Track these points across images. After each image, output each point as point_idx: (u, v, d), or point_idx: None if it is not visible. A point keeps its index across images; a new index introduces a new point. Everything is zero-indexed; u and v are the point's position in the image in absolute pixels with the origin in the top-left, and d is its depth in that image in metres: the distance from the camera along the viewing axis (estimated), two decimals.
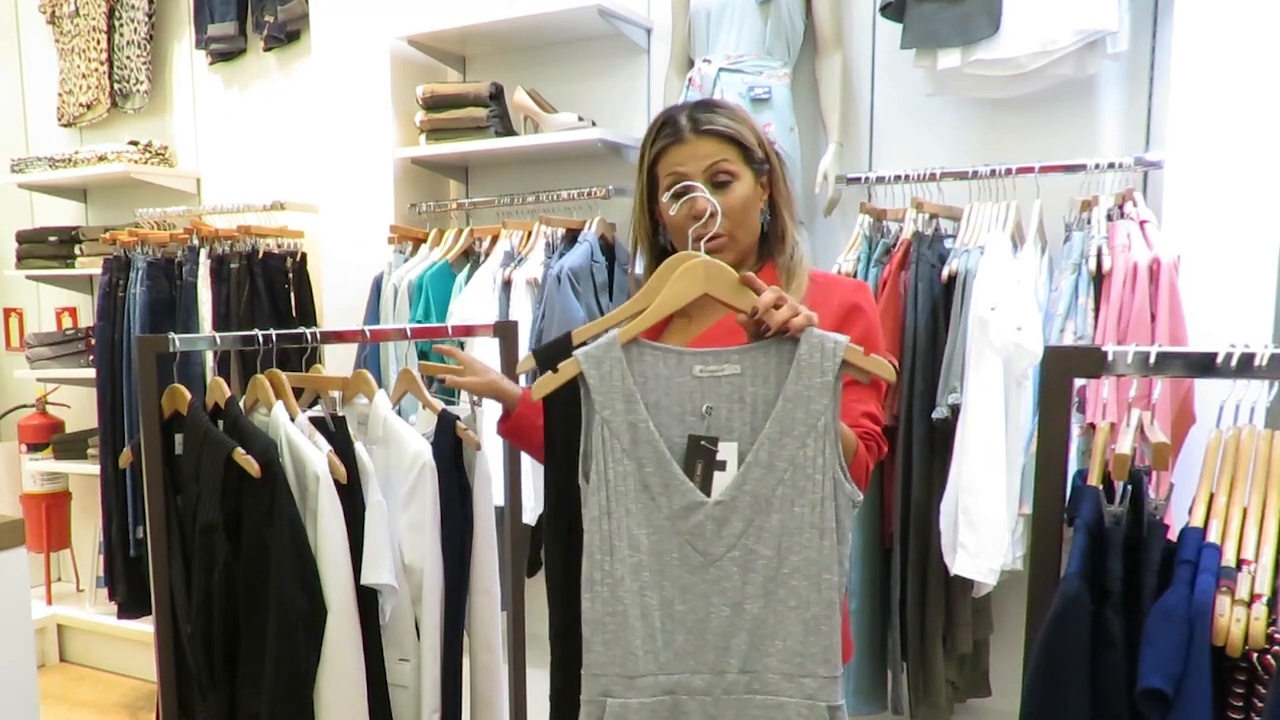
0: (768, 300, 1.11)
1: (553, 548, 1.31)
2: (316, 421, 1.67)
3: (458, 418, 1.75)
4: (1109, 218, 1.96)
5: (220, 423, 1.65)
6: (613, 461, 1.12)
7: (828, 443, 1.09)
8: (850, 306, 1.32)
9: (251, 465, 1.54)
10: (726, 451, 1.11)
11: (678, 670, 1.12)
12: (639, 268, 1.47)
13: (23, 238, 3.69)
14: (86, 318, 3.90)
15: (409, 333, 1.96)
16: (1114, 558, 0.97)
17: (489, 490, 1.81)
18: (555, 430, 1.27)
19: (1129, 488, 1.07)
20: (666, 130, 1.32)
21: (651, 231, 1.40)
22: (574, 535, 1.19)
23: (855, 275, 2.12)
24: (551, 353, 1.20)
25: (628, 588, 1.12)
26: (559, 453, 1.25)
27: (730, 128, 1.31)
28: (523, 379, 1.75)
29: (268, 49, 3.40)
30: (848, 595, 2.10)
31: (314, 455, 1.58)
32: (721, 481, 1.11)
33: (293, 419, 1.65)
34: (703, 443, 1.12)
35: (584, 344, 1.16)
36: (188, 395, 1.67)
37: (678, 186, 1.27)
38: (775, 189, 1.37)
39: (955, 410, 1.95)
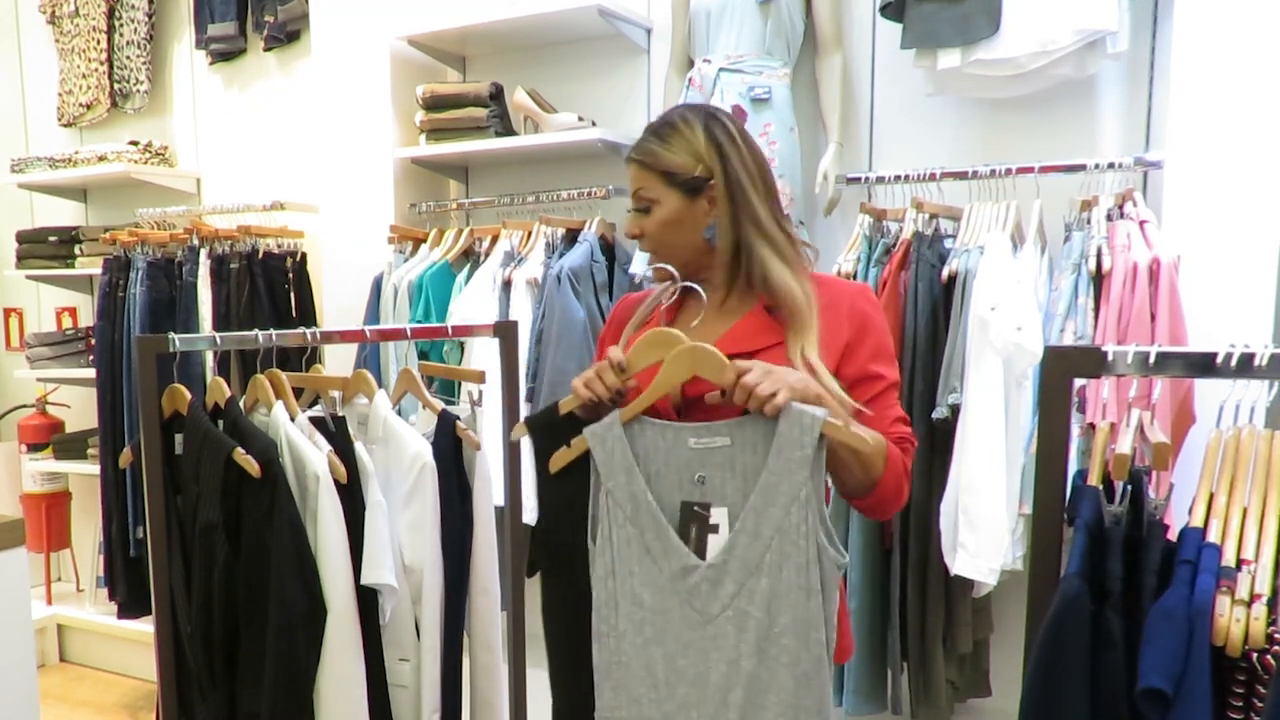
0: (740, 397, 1.15)
1: (549, 605, 1.39)
2: (316, 421, 1.66)
3: (458, 418, 1.75)
4: (1109, 218, 1.96)
5: (220, 423, 1.65)
6: (616, 527, 1.23)
7: (810, 511, 1.14)
8: (863, 316, 1.32)
9: (251, 465, 1.54)
10: (718, 516, 1.19)
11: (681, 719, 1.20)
12: (638, 267, 1.48)
13: (23, 238, 3.69)
14: (86, 318, 3.90)
15: (409, 333, 1.96)
16: (1114, 558, 0.97)
17: (489, 490, 1.81)
18: (553, 495, 1.37)
19: (1129, 488, 1.07)
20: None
21: None
22: (572, 589, 1.30)
23: (855, 275, 2.12)
24: (542, 420, 1.33)
25: (631, 641, 1.22)
26: (557, 515, 1.35)
27: (648, 156, 1.34)
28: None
29: (268, 49, 3.40)
30: (847, 595, 2.11)
31: (314, 455, 1.58)
32: (715, 544, 1.19)
33: (293, 419, 1.65)
34: (695, 508, 1.20)
35: (571, 414, 1.27)
36: (188, 395, 1.67)
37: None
38: (721, 204, 1.33)
39: (955, 410, 1.95)
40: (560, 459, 1.27)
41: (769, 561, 1.15)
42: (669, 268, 1.36)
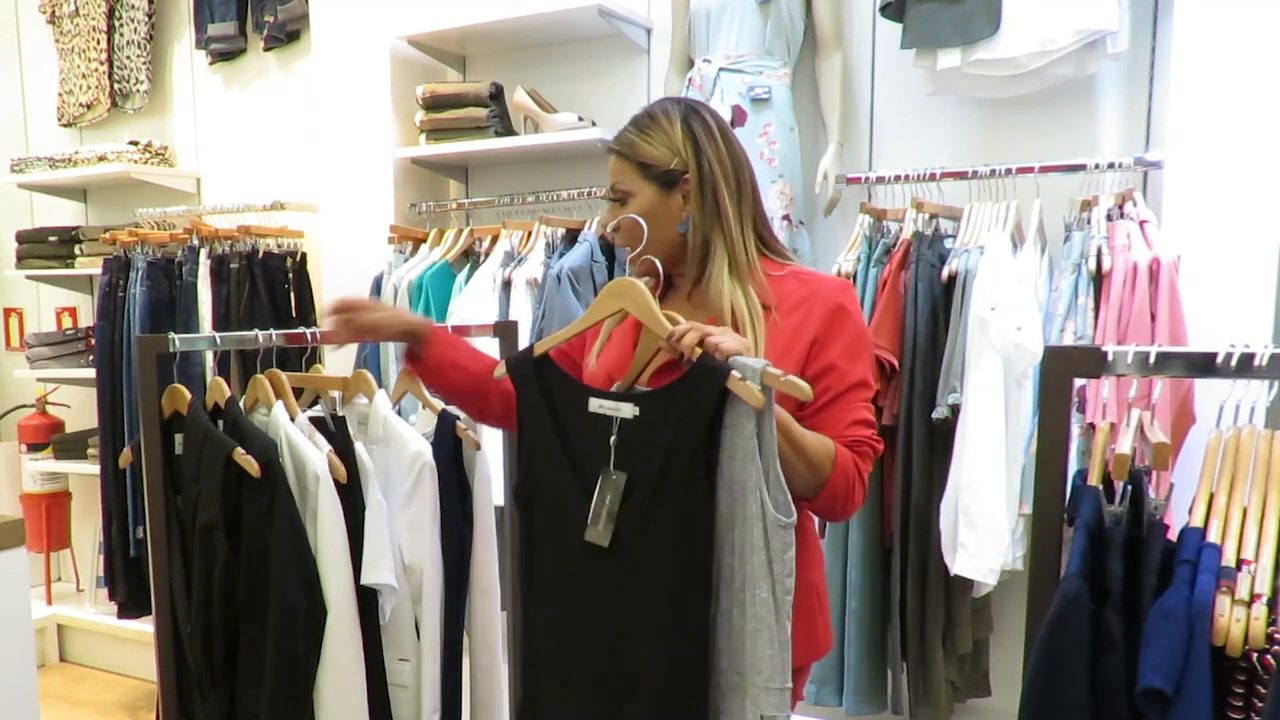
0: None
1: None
2: (316, 421, 1.67)
3: (458, 418, 1.75)
4: (1109, 218, 1.96)
5: (220, 423, 1.65)
6: None
7: (754, 467, 1.13)
8: (836, 312, 1.29)
9: (251, 465, 1.54)
10: None
11: None
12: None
13: (23, 238, 3.69)
14: (86, 318, 3.90)
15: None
16: (1114, 558, 0.97)
17: (489, 490, 1.81)
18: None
19: (1129, 488, 1.07)
20: None
21: None
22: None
23: (855, 275, 2.12)
24: (517, 360, 1.32)
25: None
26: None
27: (626, 146, 1.35)
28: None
29: (268, 49, 3.40)
30: (848, 595, 2.11)
31: (314, 455, 1.58)
32: None
33: (293, 419, 1.65)
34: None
35: (545, 354, 1.29)
36: (188, 395, 1.67)
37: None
38: (693, 197, 1.33)
39: (955, 410, 1.95)
40: None
41: (737, 514, 1.15)
42: (654, 260, 1.34)
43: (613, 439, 1.20)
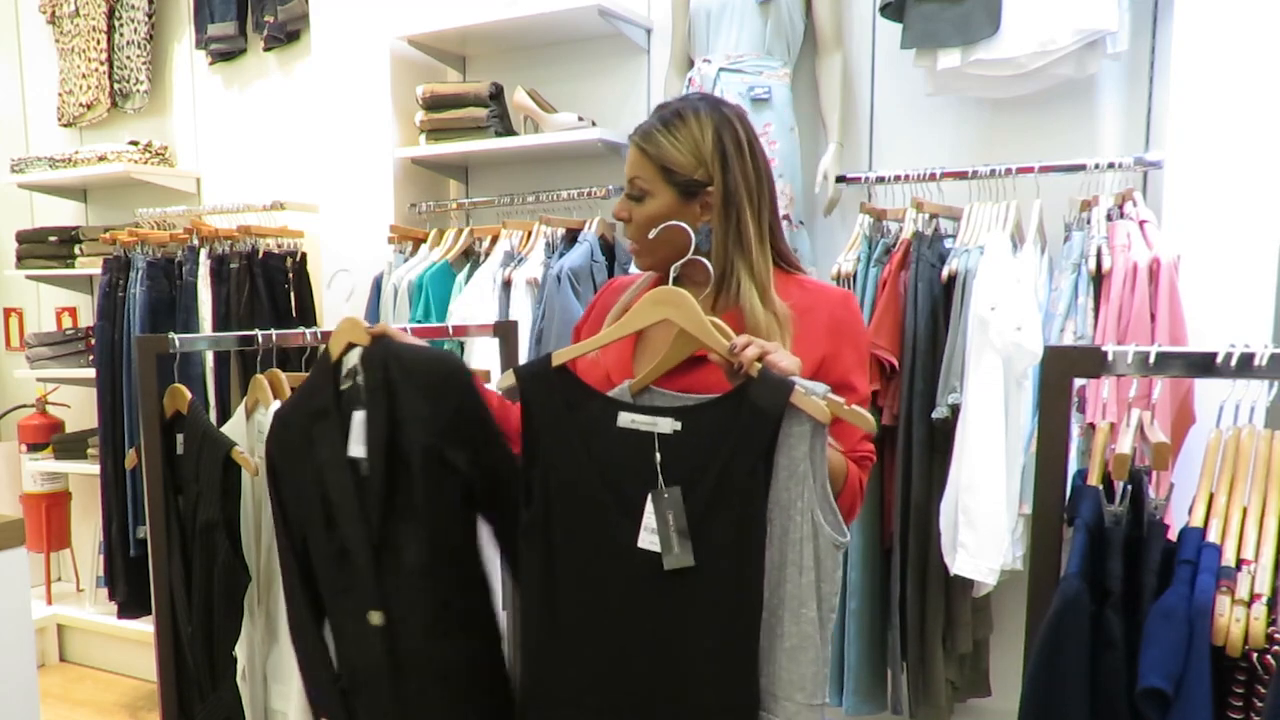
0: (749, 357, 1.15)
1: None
2: None
3: None
4: (1109, 217, 1.96)
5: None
6: None
7: (805, 487, 1.12)
8: (842, 326, 1.30)
9: (249, 464, 1.54)
10: None
11: None
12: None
13: (23, 238, 3.69)
14: (86, 318, 3.90)
15: (409, 333, 1.96)
16: (1114, 558, 0.98)
17: None
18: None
19: (1129, 488, 1.07)
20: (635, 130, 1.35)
21: None
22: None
23: (855, 275, 2.12)
24: (531, 372, 1.25)
25: None
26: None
27: (651, 145, 1.30)
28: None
29: (268, 49, 3.40)
30: (848, 595, 2.11)
31: None
32: None
33: None
34: None
35: (563, 365, 1.23)
36: (188, 395, 1.67)
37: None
38: (715, 215, 1.30)
39: (955, 410, 1.95)
40: None
41: (771, 534, 1.14)
42: (705, 262, 1.29)
43: (657, 456, 1.16)
